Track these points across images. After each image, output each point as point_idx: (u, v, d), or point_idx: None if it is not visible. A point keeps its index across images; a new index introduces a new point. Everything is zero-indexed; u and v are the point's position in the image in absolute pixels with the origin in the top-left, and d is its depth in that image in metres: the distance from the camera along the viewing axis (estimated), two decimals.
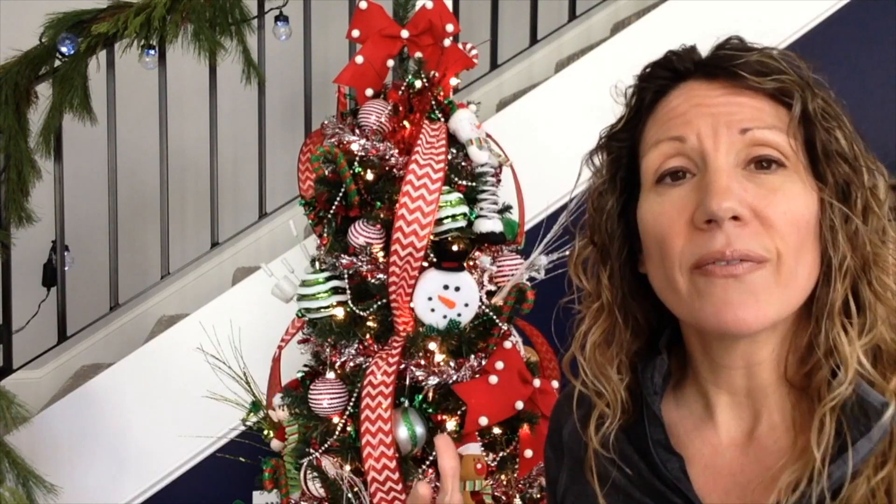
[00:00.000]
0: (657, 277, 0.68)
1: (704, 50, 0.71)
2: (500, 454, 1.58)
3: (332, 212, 1.61)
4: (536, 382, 1.59)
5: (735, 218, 0.61)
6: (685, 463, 0.67)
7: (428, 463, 1.54)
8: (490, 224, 1.60)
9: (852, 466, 0.59)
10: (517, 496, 1.60)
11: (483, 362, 1.57)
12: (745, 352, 0.67)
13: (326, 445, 1.56)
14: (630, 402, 0.72)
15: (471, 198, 1.62)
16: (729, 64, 0.66)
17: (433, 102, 1.65)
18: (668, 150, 0.67)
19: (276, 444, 1.77)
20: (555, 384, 1.67)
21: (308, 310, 1.58)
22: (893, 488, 0.59)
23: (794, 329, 0.67)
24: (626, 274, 0.73)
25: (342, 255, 1.59)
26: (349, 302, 1.57)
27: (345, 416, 1.57)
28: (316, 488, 1.60)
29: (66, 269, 2.39)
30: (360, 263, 1.57)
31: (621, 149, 0.73)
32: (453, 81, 1.70)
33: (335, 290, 1.57)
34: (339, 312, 1.57)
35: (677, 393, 0.74)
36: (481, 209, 1.62)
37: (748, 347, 0.67)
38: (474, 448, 1.55)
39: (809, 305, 0.65)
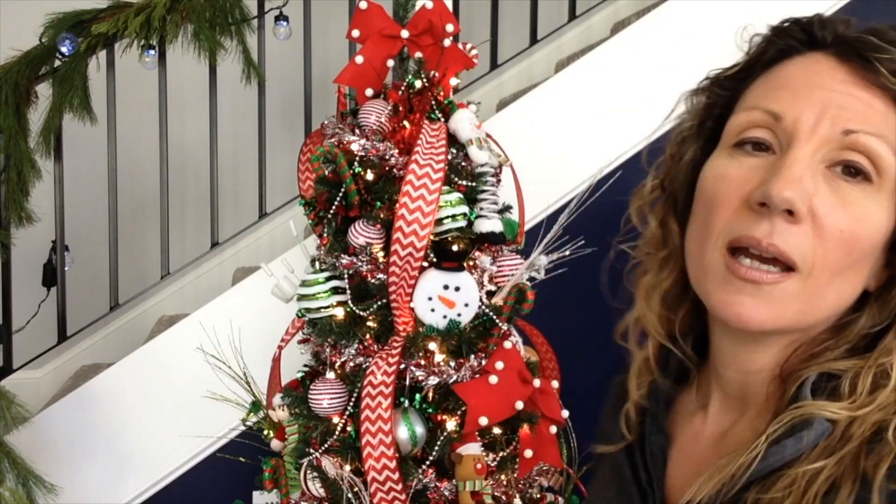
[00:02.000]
0: (693, 238, 0.65)
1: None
2: (500, 454, 1.58)
3: (332, 212, 1.61)
4: (536, 382, 1.59)
5: (790, 212, 0.56)
6: (671, 443, 0.68)
7: (428, 463, 1.54)
8: (490, 224, 1.60)
9: (759, 471, 0.57)
10: (517, 496, 1.60)
11: (483, 362, 1.57)
12: (741, 360, 0.65)
13: (326, 445, 1.56)
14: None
15: (471, 198, 1.62)
16: (869, 52, 0.59)
17: (433, 102, 1.64)
18: (759, 120, 0.61)
19: (276, 444, 1.77)
20: (555, 384, 1.67)
21: (308, 310, 1.58)
22: (811, 486, 0.55)
23: (807, 338, 0.63)
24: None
25: (342, 255, 1.59)
26: (349, 302, 1.57)
27: (345, 416, 1.57)
28: (316, 488, 1.60)
29: (66, 269, 2.39)
30: (360, 263, 1.57)
31: (720, 97, 0.67)
32: (453, 81, 1.70)
33: (335, 290, 1.57)
34: (339, 312, 1.57)
35: (700, 374, 0.73)
36: (481, 209, 1.62)
37: (744, 353, 0.64)
38: (474, 448, 1.55)
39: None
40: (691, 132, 0.69)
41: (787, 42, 0.63)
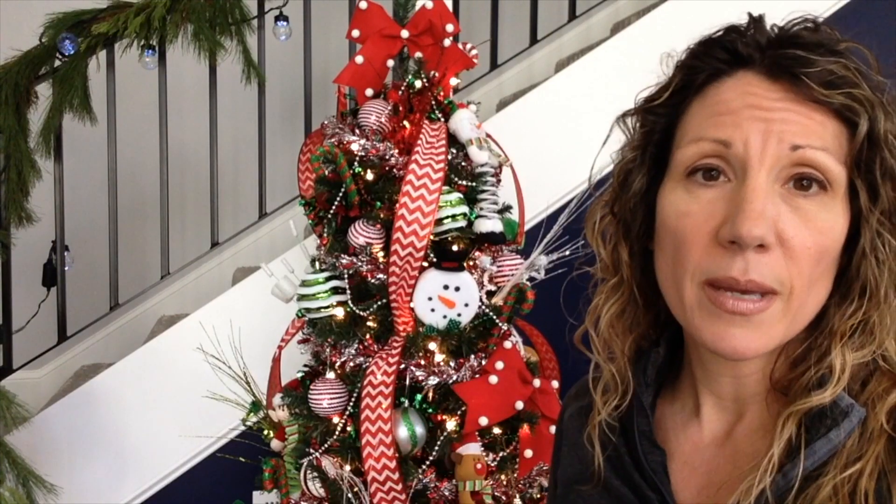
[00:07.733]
0: (664, 271, 0.65)
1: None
2: (500, 454, 1.58)
3: (332, 212, 1.61)
4: (536, 382, 1.59)
5: (760, 245, 0.58)
6: (667, 457, 0.67)
7: (428, 463, 1.54)
8: (490, 224, 1.60)
9: (807, 467, 0.59)
10: (517, 496, 1.60)
11: (483, 362, 1.57)
12: (734, 366, 0.66)
13: (326, 445, 1.56)
14: (630, 385, 0.72)
15: (471, 198, 1.62)
16: (798, 68, 0.60)
17: (433, 102, 1.65)
18: (708, 150, 0.62)
19: (276, 444, 1.77)
20: (555, 384, 1.67)
21: (308, 310, 1.58)
22: (858, 488, 0.57)
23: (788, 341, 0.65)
24: (645, 252, 0.70)
25: (342, 255, 1.59)
26: (349, 302, 1.57)
27: (345, 416, 1.57)
28: (316, 488, 1.60)
29: (66, 269, 2.39)
30: (360, 263, 1.57)
31: (656, 123, 0.68)
32: (453, 81, 1.70)
33: (335, 290, 1.57)
34: (339, 312, 1.57)
35: (675, 387, 0.74)
36: (481, 209, 1.62)
37: (738, 363, 0.66)
38: (474, 448, 1.55)
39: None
40: (635, 163, 0.70)
41: (714, 65, 0.64)
